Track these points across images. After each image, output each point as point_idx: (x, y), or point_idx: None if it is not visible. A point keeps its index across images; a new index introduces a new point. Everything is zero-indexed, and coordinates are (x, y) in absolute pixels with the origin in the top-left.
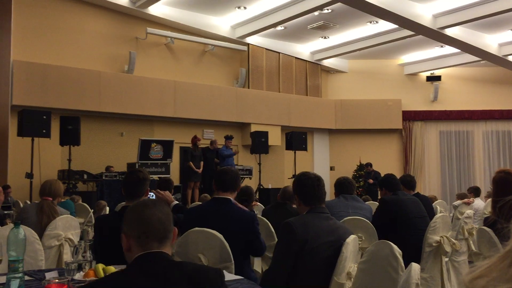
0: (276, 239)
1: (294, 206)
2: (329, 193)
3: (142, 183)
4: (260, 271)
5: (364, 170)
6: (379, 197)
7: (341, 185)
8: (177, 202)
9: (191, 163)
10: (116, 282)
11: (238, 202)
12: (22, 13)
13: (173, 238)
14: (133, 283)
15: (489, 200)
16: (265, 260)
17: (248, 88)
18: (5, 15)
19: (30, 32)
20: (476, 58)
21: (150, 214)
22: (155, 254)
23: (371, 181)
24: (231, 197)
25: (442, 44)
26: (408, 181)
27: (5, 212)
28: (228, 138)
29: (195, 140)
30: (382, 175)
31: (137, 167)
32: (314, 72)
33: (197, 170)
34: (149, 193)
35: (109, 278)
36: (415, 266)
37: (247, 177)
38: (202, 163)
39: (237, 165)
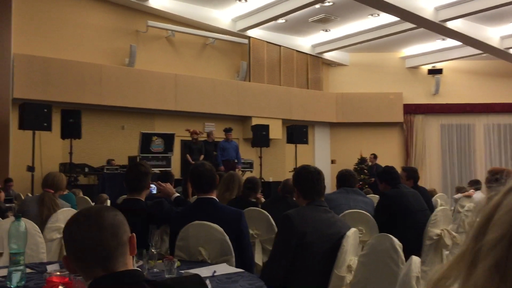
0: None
1: (295, 199)
2: (330, 186)
3: (143, 177)
4: (260, 263)
5: (365, 163)
6: None
7: (343, 178)
8: (178, 194)
9: (188, 156)
10: None
11: (244, 192)
12: (22, 7)
13: (132, 248)
14: None
15: None
16: (266, 252)
17: (249, 81)
18: (5, 9)
19: (31, 26)
20: (478, 51)
21: (81, 235)
22: (106, 278)
23: (372, 180)
24: (214, 195)
25: (444, 37)
26: (415, 172)
27: (7, 205)
28: (227, 130)
29: (192, 133)
30: None
31: (138, 160)
32: (315, 65)
33: (192, 162)
34: (151, 185)
35: None
36: (415, 259)
37: (248, 171)
38: (202, 156)
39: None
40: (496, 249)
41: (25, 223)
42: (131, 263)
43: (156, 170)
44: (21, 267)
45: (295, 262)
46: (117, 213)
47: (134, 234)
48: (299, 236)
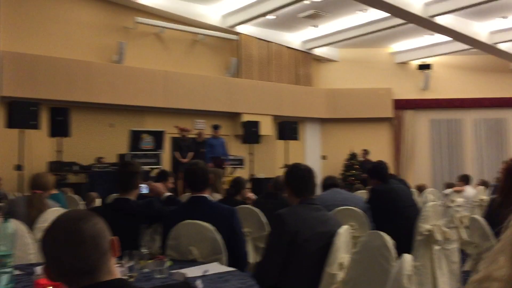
0: (268, 230)
1: (286, 197)
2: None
3: (133, 176)
4: (253, 261)
5: (356, 158)
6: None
7: (327, 184)
8: (170, 194)
9: (177, 153)
10: None
11: (228, 192)
12: (9, 4)
13: (114, 251)
14: None
15: (480, 187)
16: (257, 250)
17: (239, 77)
18: None
19: (18, 23)
20: (467, 46)
21: (60, 252)
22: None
23: (364, 175)
24: (207, 193)
25: (433, 32)
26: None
27: None
28: (215, 127)
29: (181, 130)
30: None
31: (127, 158)
32: (305, 61)
33: (181, 160)
34: (141, 185)
35: None
36: (407, 257)
37: (238, 167)
38: (191, 153)
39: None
40: None
41: (13, 224)
42: (115, 269)
43: (147, 167)
44: (9, 269)
45: (288, 261)
46: (96, 221)
47: (114, 237)
48: (292, 235)
